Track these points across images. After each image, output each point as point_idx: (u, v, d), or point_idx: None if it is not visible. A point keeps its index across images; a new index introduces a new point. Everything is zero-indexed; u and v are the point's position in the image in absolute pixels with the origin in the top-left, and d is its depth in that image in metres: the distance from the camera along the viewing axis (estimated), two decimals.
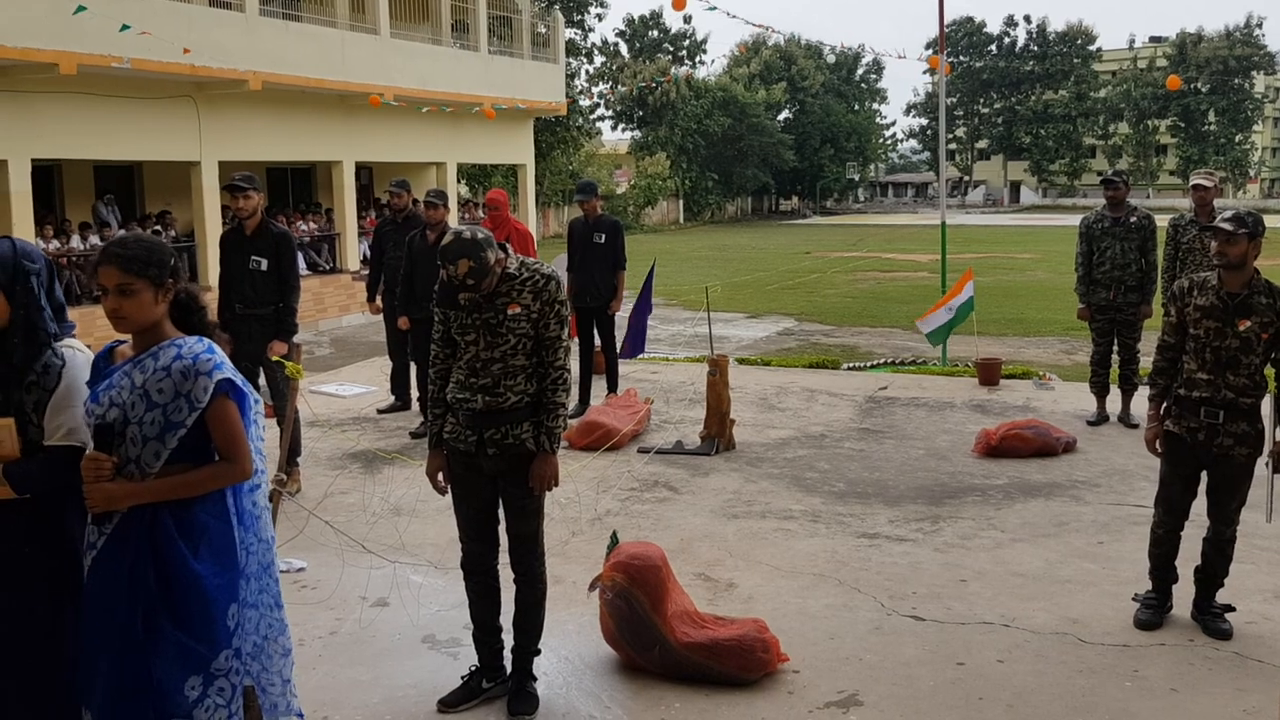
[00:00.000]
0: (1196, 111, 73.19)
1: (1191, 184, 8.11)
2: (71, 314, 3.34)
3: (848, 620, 4.89)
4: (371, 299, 9.68)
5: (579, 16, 46.76)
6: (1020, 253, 33.46)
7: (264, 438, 3.15)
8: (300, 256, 8.83)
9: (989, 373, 10.20)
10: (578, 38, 48.27)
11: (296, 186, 23.90)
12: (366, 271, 11.21)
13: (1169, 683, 4.27)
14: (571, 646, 4.62)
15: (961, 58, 78.75)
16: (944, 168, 14.58)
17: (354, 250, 21.58)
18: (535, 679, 4.19)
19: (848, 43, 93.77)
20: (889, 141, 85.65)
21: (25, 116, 15.33)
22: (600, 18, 68.57)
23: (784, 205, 76.80)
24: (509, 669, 4.20)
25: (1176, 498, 4.76)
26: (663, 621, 4.29)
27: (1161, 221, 8.32)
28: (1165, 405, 4.79)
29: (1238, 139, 74.28)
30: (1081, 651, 4.54)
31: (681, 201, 60.17)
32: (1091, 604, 5.03)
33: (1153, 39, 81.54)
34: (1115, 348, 8.54)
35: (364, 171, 24.25)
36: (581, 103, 47.54)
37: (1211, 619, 4.70)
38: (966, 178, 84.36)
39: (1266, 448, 4.59)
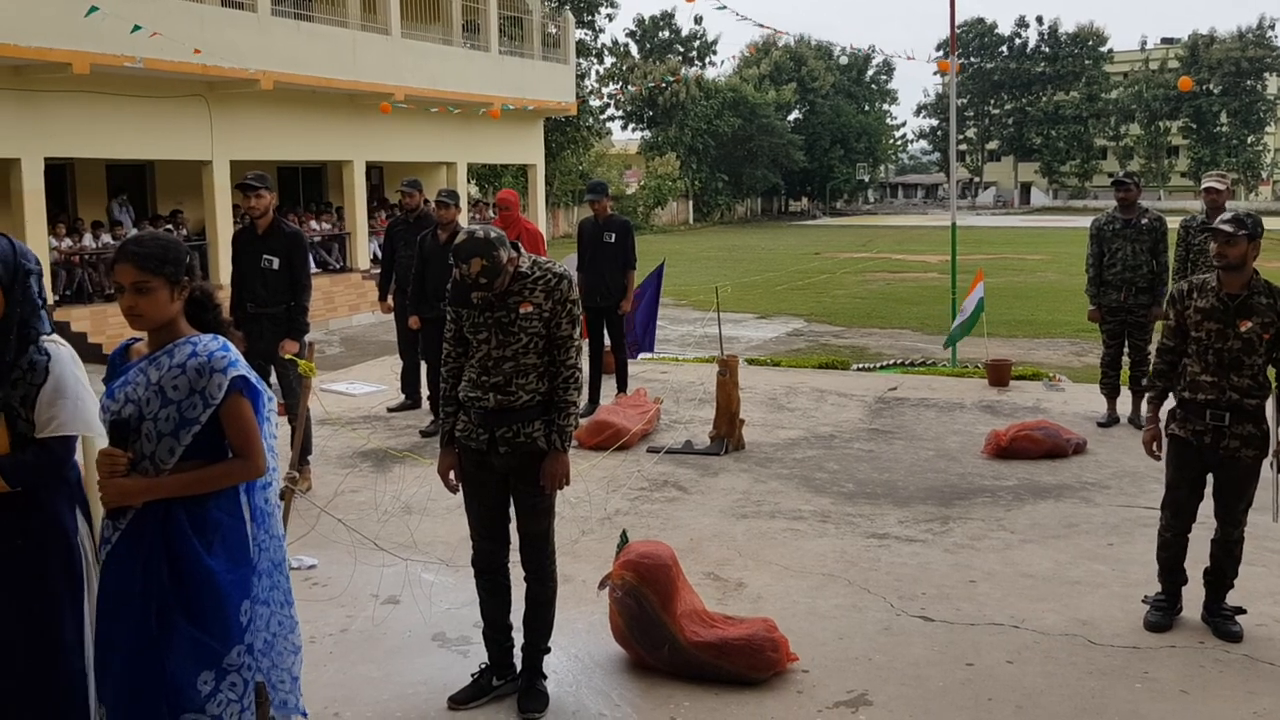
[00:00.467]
0: (1208, 113, 72.91)
1: (1204, 186, 8.09)
2: (84, 312, 3.41)
3: (857, 620, 4.89)
4: (383, 298, 9.70)
5: (589, 17, 46.77)
6: (1031, 254, 33.41)
7: (276, 435, 3.17)
8: (310, 255, 8.85)
9: (999, 374, 10.19)
10: (588, 38, 48.28)
11: (307, 186, 23.98)
12: (377, 270, 11.25)
13: (1179, 685, 4.27)
14: (581, 645, 4.63)
15: (972, 59, 78.61)
16: (954, 169, 14.57)
17: (364, 249, 21.64)
18: (545, 677, 4.20)
19: (858, 43, 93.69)
20: (899, 142, 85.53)
21: (38, 116, 15.41)
22: (611, 18, 68.66)
23: (794, 206, 76.74)
24: (519, 667, 4.22)
25: (1183, 501, 4.76)
26: (672, 620, 4.30)
27: (1173, 223, 8.31)
28: (1169, 409, 4.80)
29: (1250, 141, 73.97)
30: (1091, 653, 4.54)
31: (691, 202, 60.19)
32: (1101, 605, 5.03)
33: (1164, 40, 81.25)
34: (1126, 349, 8.53)
35: (374, 171, 24.32)
36: (591, 103, 47.56)
37: (1222, 621, 4.70)
38: (977, 179, 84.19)
39: (1271, 448, 4.59)
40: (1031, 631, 4.74)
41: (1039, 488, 6.93)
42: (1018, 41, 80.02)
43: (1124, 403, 8.61)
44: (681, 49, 66.96)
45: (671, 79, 52.88)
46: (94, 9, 13.35)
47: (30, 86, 15.18)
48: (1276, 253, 19.14)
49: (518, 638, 4.22)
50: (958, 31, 13.74)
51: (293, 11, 19.24)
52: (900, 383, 10.54)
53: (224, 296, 6.41)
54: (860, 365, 12.74)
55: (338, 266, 21.38)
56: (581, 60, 43.46)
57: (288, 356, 6.77)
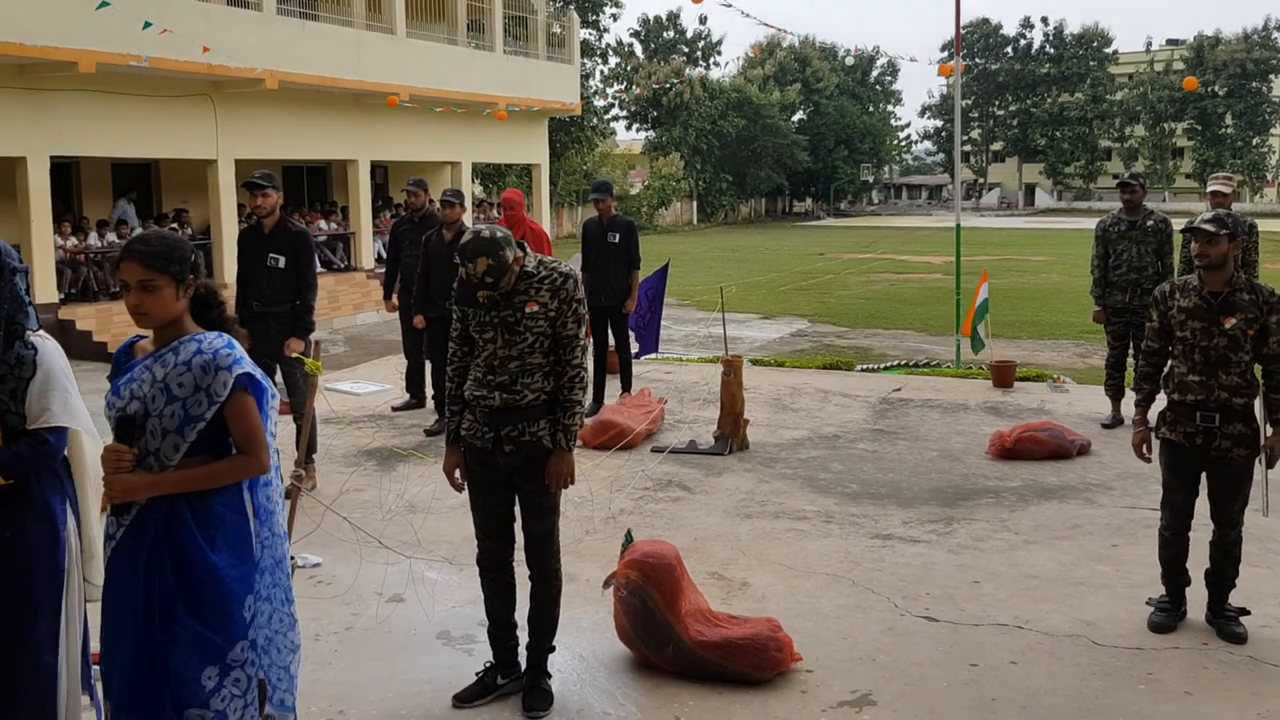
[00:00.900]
0: (1213, 114, 72.79)
1: (1209, 189, 8.09)
2: (89, 310, 3.48)
3: (861, 620, 4.90)
4: (388, 296, 9.73)
5: (594, 17, 46.78)
6: (1035, 255, 33.37)
7: (275, 433, 3.18)
8: (315, 255, 8.86)
9: (1003, 375, 10.19)
10: (592, 38, 48.31)
11: (312, 185, 24.00)
12: (382, 270, 11.26)
13: (1183, 686, 4.27)
14: (586, 644, 4.64)
15: (977, 60, 78.53)
16: (959, 170, 14.56)
17: (369, 248, 21.67)
18: (550, 675, 4.21)
19: (863, 44, 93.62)
20: (903, 143, 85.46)
21: (44, 114, 15.44)
22: (615, 18, 68.64)
23: (798, 207, 76.71)
24: (524, 665, 4.22)
25: (1180, 501, 4.78)
26: (677, 620, 4.31)
27: (1177, 224, 8.29)
28: (1159, 411, 4.82)
29: (1255, 142, 73.85)
30: (1095, 654, 4.54)
31: (695, 202, 60.17)
32: (1105, 606, 5.03)
33: (1170, 42, 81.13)
34: (1130, 351, 8.52)
35: (379, 170, 24.34)
36: (596, 103, 47.58)
37: (1226, 622, 4.70)
38: (981, 180, 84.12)
39: (1261, 445, 4.61)
40: (1035, 632, 4.75)
41: (1043, 489, 6.93)
42: (1023, 42, 79.95)
43: (1128, 404, 8.59)
44: (686, 49, 66.97)
45: (676, 79, 52.87)
46: (104, 3, 13.37)
47: (36, 85, 15.20)
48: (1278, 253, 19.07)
49: (522, 636, 4.23)
50: (963, 32, 13.73)
51: (298, 11, 19.26)
52: (904, 384, 10.54)
53: (229, 295, 6.44)
54: (864, 366, 12.74)
55: (342, 266, 21.39)
56: (586, 60, 43.53)
57: (293, 355, 6.78)
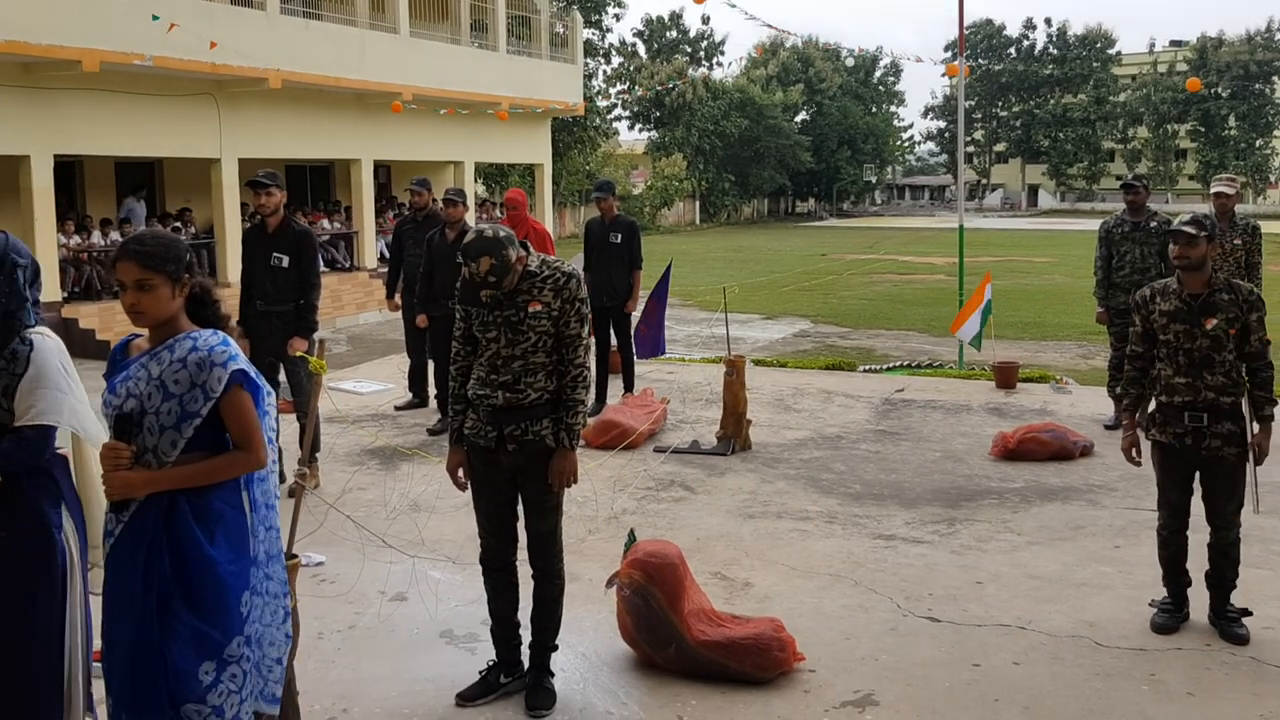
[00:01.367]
0: (1217, 116, 72.70)
1: (1213, 190, 8.09)
2: (92, 309, 3.48)
3: (864, 621, 4.90)
4: (390, 296, 9.74)
5: (597, 17, 46.78)
6: (1038, 256, 33.36)
7: (275, 428, 3.19)
8: (319, 254, 8.87)
9: (1006, 376, 10.18)
10: (595, 38, 48.30)
11: (315, 184, 24.01)
12: (384, 269, 11.27)
13: (1185, 687, 4.27)
14: (588, 643, 4.64)
15: (980, 60, 78.45)
16: (962, 170, 14.57)
17: (371, 248, 21.68)
18: (552, 675, 4.22)
19: (866, 45, 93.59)
20: (906, 144, 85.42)
21: (48, 113, 15.45)
22: (618, 18, 68.77)
23: (800, 207, 76.68)
24: (526, 664, 4.23)
25: (1175, 500, 4.80)
26: (679, 619, 4.31)
27: None
28: (1149, 413, 4.84)
29: (1258, 144, 73.76)
30: (1098, 655, 4.54)
31: (698, 203, 60.16)
32: (1108, 607, 5.03)
33: (1173, 43, 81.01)
34: None
35: (382, 170, 24.35)
36: (599, 103, 47.58)
37: (1228, 624, 4.70)
38: (984, 181, 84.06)
39: (1249, 442, 4.63)
40: (1038, 633, 4.75)
41: (1046, 490, 6.93)
42: (1026, 43, 79.90)
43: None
44: (689, 49, 66.94)
45: (679, 79, 52.85)
46: None
47: (40, 84, 15.22)
48: None
49: (525, 635, 4.24)
50: (966, 33, 13.75)
51: (301, 10, 19.28)
52: (907, 384, 10.54)
53: (232, 294, 6.45)
54: (867, 367, 12.74)
55: (345, 265, 21.40)
56: (589, 60, 43.52)
57: (297, 354, 6.79)
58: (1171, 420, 4.69)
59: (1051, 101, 78.21)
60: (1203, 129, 73.51)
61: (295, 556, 3.49)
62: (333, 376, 10.83)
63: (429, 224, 9.05)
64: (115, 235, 17.53)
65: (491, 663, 4.24)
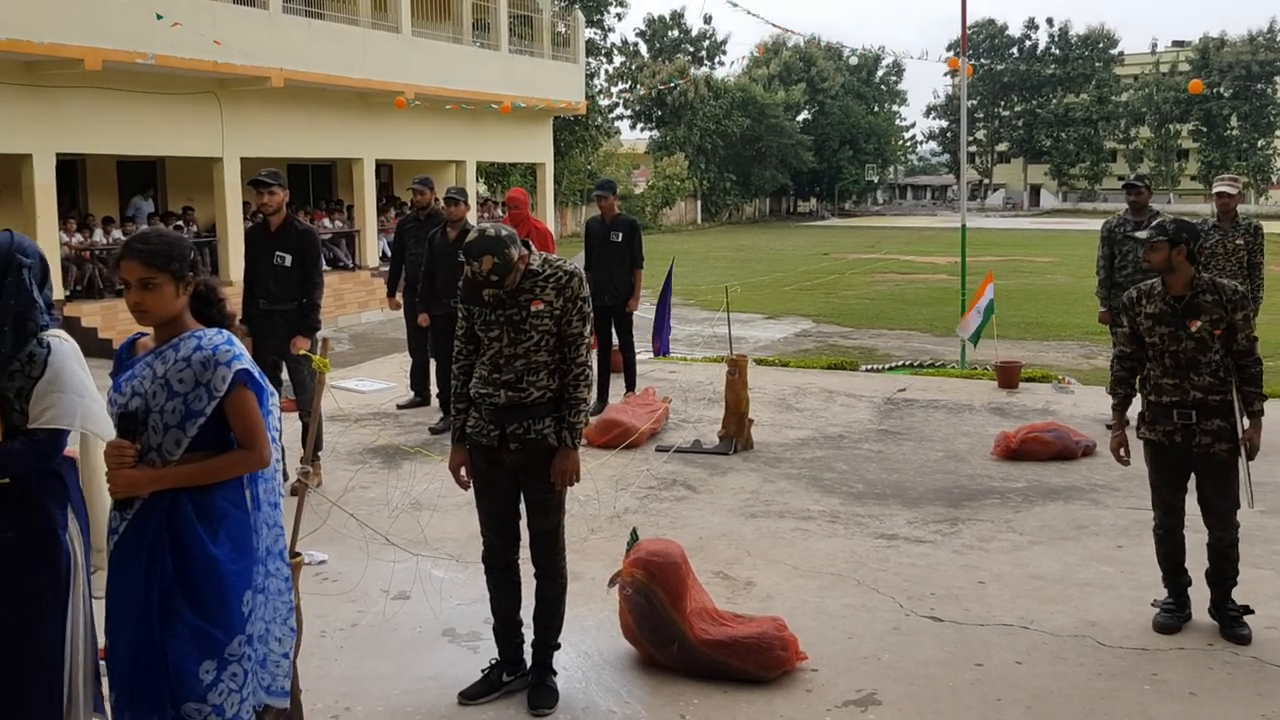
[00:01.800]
0: (1219, 116, 72.62)
1: (1215, 190, 8.09)
2: (94, 307, 3.44)
3: (866, 620, 4.90)
4: (392, 294, 9.74)
5: (599, 16, 46.76)
6: (1040, 256, 33.35)
7: (278, 428, 3.19)
8: (322, 253, 8.88)
9: (1008, 376, 10.18)
10: (597, 37, 48.27)
11: (317, 183, 24.02)
12: (386, 268, 11.28)
13: (1188, 686, 4.27)
14: (591, 642, 4.64)
15: (982, 60, 78.40)
16: (964, 170, 14.56)
17: (373, 247, 21.69)
18: (555, 673, 4.22)
19: (868, 45, 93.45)
20: (908, 144, 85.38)
21: (50, 111, 15.46)
22: (620, 17, 68.50)
23: (802, 207, 76.66)
24: (529, 663, 4.23)
25: (1169, 498, 4.81)
26: (682, 618, 4.31)
27: None
28: (1139, 413, 4.86)
29: (1260, 144, 73.69)
30: (1100, 654, 4.54)
31: (699, 202, 60.15)
32: (1110, 607, 5.03)
33: (1175, 43, 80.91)
34: None
35: (384, 169, 24.36)
36: (600, 102, 47.56)
37: (1230, 623, 4.69)
38: (986, 180, 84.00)
39: (1240, 437, 4.63)
40: (1041, 632, 4.75)
41: (1048, 489, 6.93)
42: (1028, 43, 79.81)
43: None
44: (691, 49, 66.91)
45: (680, 79, 52.83)
46: None
47: (42, 82, 15.23)
48: None
49: (528, 634, 4.24)
50: (968, 33, 13.74)
51: (304, 9, 19.29)
52: (909, 384, 10.54)
53: (235, 293, 6.46)
54: (869, 366, 12.74)
55: (347, 264, 21.42)
56: (591, 59, 43.49)
57: (300, 353, 6.79)
58: (1161, 419, 4.72)
59: (1054, 101, 78.15)
60: (1205, 129, 73.44)
61: (298, 555, 3.49)
62: (335, 375, 10.83)
63: (431, 223, 9.05)
64: (117, 233, 17.55)
65: (494, 661, 4.24)
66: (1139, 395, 4.92)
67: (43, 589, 3.10)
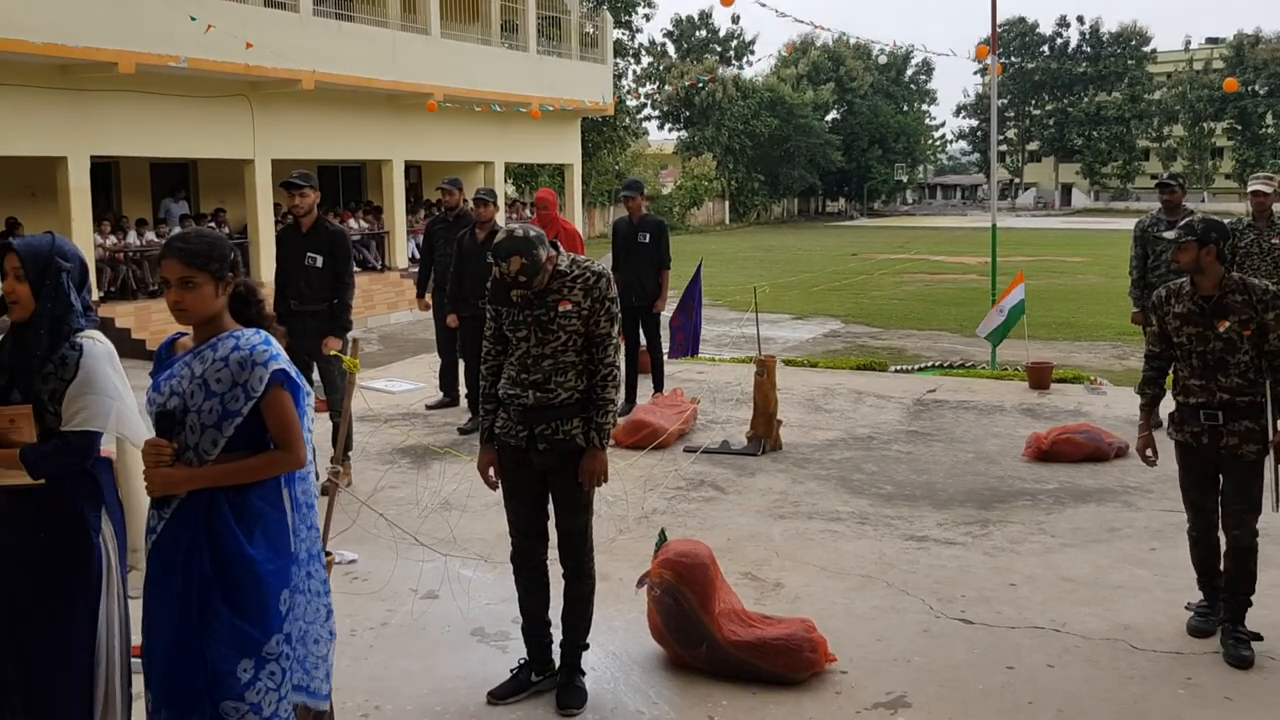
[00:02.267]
0: (1254, 114, 71.70)
1: (1250, 189, 7.98)
2: (128, 308, 3.47)
3: (896, 622, 4.87)
4: (421, 295, 9.78)
5: (627, 17, 46.83)
6: (1072, 256, 33.07)
7: (313, 430, 3.21)
8: (352, 254, 8.93)
9: (1039, 377, 10.10)
10: (625, 38, 48.35)
11: (347, 185, 24.18)
12: (416, 269, 11.34)
13: (1223, 691, 4.22)
14: (619, 642, 4.64)
15: (1013, 58, 77.83)
16: (994, 170, 14.46)
17: (403, 248, 21.81)
18: (583, 673, 4.22)
19: (898, 43, 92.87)
20: (938, 143, 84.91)
21: (85, 114, 15.65)
22: (648, 18, 68.64)
23: (831, 207, 76.40)
24: (557, 663, 4.24)
25: (1199, 499, 4.74)
26: (710, 619, 4.30)
27: None
28: (1169, 413, 4.81)
29: None
30: (1133, 658, 4.50)
31: (727, 202, 60.08)
32: (1143, 610, 4.98)
33: (1209, 40, 79.99)
34: None
35: (413, 170, 24.48)
36: (628, 103, 47.60)
37: (1234, 643, 4.52)
38: (1017, 180, 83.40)
39: (1270, 440, 4.55)
40: (1072, 635, 4.70)
41: (1080, 491, 6.87)
42: (1059, 41, 79.16)
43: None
44: (719, 49, 66.84)
45: (708, 79, 52.77)
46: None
47: (77, 85, 15.42)
48: None
49: (556, 634, 4.25)
50: (998, 31, 13.65)
51: (334, 12, 19.42)
52: (939, 385, 10.48)
53: (266, 294, 6.50)
54: (898, 367, 12.68)
55: (377, 265, 21.54)
56: (619, 60, 43.58)
57: (331, 353, 6.84)
58: (1188, 420, 4.66)
59: (1085, 100, 77.44)
60: (1239, 127, 72.54)
61: (329, 554, 3.51)
62: (364, 376, 10.90)
63: (460, 224, 9.08)
64: (151, 235, 17.73)
65: (522, 661, 4.25)
66: (1169, 395, 4.85)
67: (74, 590, 3.13)
